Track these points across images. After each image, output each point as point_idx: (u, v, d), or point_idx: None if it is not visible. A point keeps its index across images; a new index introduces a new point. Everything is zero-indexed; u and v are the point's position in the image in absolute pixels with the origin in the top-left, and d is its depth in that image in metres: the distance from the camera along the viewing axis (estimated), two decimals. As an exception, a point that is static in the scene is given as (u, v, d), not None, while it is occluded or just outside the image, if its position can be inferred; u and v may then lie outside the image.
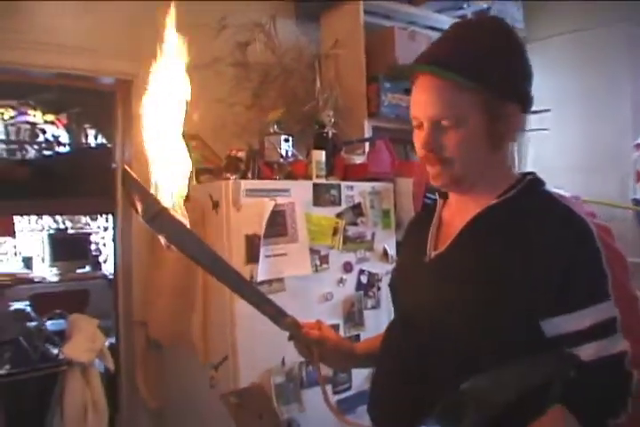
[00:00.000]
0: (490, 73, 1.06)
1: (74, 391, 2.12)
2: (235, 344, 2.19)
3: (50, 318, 3.11)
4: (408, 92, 2.82)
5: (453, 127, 1.07)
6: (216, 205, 2.30)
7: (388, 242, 2.63)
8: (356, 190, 2.54)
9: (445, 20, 3.14)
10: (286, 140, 2.46)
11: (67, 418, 2.09)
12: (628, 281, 1.12)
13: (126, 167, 1.12)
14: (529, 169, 1.90)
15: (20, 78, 3.27)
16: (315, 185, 2.43)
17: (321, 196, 2.44)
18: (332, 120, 2.64)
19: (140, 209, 1.03)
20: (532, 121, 3.00)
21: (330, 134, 2.61)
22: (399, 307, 1.27)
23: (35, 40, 2.60)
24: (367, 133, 2.86)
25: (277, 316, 1.18)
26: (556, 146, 3.46)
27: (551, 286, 0.98)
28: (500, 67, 1.08)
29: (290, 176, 2.48)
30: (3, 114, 6.36)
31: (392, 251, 2.62)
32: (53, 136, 6.51)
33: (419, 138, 1.13)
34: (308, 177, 2.50)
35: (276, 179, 2.43)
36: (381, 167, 2.62)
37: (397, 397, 1.13)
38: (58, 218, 6.86)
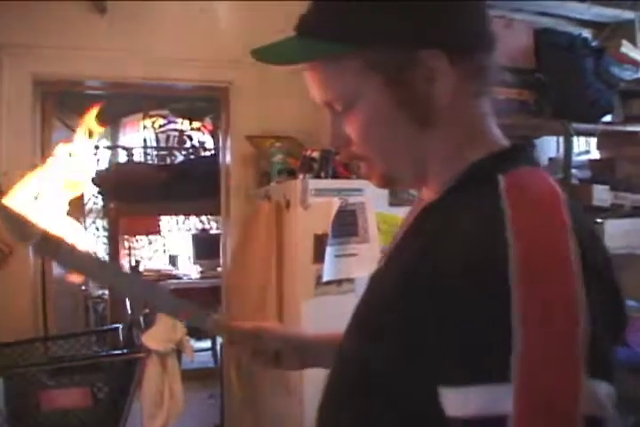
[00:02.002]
0: (360, 23, 0.74)
1: (151, 378, 2.29)
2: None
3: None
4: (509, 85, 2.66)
5: (347, 111, 0.78)
6: (288, 204, 2.36)
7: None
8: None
9: (552, 4, 2.92)
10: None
11: (144, 402, 2.27)
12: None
13: None
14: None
15: (159, 91, 3.66)
16: (391, 184, 2.39)
17: (397, 195, 2.39)
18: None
19: (18, 236, 0.95)
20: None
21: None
22: None
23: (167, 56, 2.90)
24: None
25: (199, 316, 1.03)
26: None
27: (435, 333, 0.65)
28: (377, 13, 0.73)
29: (368, 176, 2.46)
30: (154, 123, 6.91)
31: None
32: (199, 142, 6.95)
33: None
34: (387, 177, 2.46)
35: (351, 178, 2.42)
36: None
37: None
38: (203, 218, 7.31)
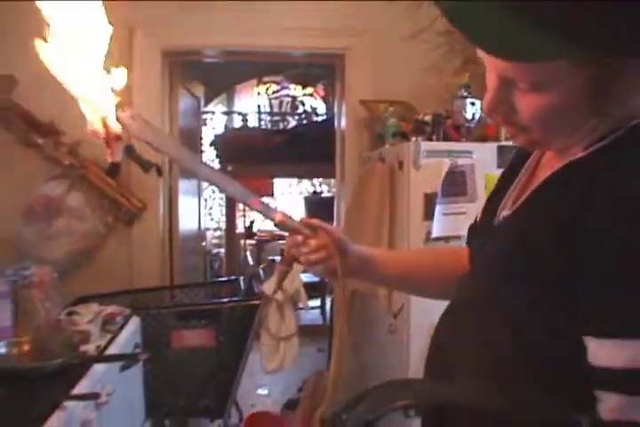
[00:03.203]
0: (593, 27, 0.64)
1: (269, 323, 2.51)
2: (409, 297, 2.34)
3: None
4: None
5: (532, 91, 0.76)
6: (400, 165, 2.45)
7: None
8: (546, 152, 2.47)
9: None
10: (472, 104, 2.49)
11: (262, 345, 2.50)
12: None
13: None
14: None
15: (275, 58, 3.87)
16: (500, 147, 2.43)
17: (506, 158, 2.43)
18: None
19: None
20: None
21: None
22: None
23: (283, 25, 3.06)
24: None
25: (267, 207, 1.09)
26: None
27: (593, 289, 0.70)
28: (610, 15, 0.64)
29: (478, 139, 2.51)
30: (267, 89, 7.12)
31: None
32: (311, 107, 7.11)
33: (488, 83, 0.82)
34: (497, 140, 2.50)
35: (461, 141, 2.48)
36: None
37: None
38: (315, 182, 7.51)
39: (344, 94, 3.27)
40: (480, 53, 0.77)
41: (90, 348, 1.82)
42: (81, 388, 1.56)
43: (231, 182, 1.11)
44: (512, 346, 0.79)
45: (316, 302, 5.78)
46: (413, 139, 2.41)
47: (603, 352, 0.69)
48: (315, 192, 7.26)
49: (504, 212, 0.92)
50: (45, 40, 0.97)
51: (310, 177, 6.74)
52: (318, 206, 6.44)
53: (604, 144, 0.78)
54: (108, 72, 1.05)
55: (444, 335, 0.94)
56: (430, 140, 2.47)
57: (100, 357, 1.75)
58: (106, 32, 1.02)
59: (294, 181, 7.36)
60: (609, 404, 0.68)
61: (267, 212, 1.09)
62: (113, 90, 1.05)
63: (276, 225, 1.10)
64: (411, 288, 1.34)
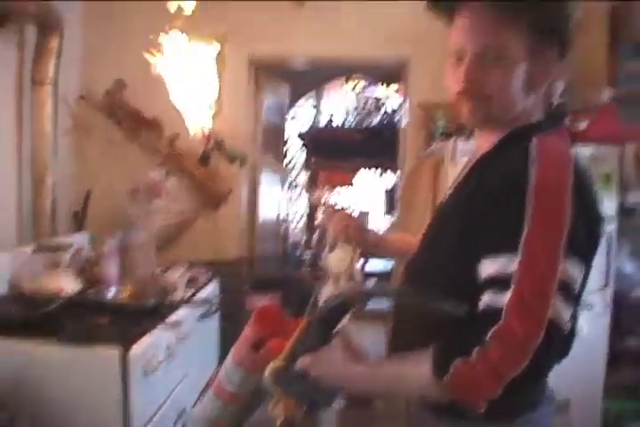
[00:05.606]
0: (538, 11, 1.06)
1: (325, 291, 2.94)
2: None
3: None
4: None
5: (496, 62, 1.06)
6: (442, 161, 2.85)
7: (606, 203, 2.79)
8: (573, 154, 2.76)
9: None
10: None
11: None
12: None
13: None
14: None
15: (350, 63, 4.31)
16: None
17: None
18: (560, 90, 2.89)
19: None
20: None
21: (555, 104, 2.88)
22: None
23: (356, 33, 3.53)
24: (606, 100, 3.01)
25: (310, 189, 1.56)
26: None
27: (486, 229, 0.99)
28: (549, 7, 1.07)
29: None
30: (355, 86, 7.53)
31: (610, 211, 2.76)
32: (393, 107, 7.46)
33: (455, 73, 1.11)
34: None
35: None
36: (604, 133, 2.79)
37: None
38: (397, 174, 7.84)
39: (407, 96, 3.67)
40: (454, 41, 1.10)
41: (176, 297, 2.34)
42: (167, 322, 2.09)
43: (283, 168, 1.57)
44: (439, 270, 1.10)
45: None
46: (453, 138, 2.79)
47: (484, 267, 0.97)
48: (395, 185, 7.61)
49: (448, 191, 1.25)
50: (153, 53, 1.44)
51: (384, 170, 7.10)
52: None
53: (502, 140, 1.12)
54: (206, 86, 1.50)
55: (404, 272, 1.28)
56: (470, 137, 2.83)
57: (184, 300, 2.27)
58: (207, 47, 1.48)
59: (377, 174, 7.73)
60: (483, 300, 0.95)
61: (309, 190, 1.56)
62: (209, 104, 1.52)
63: (312, 201, 1.56)
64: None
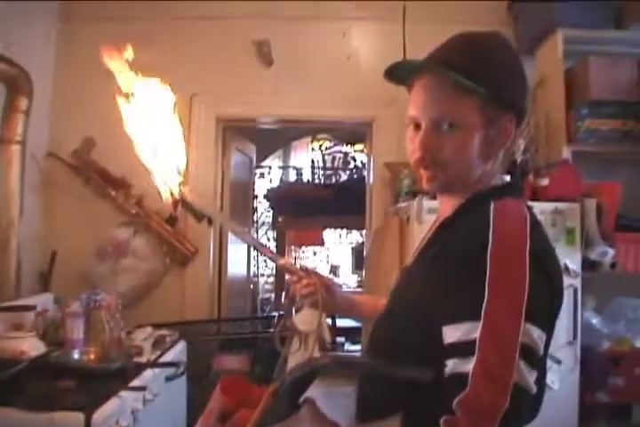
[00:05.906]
0: (493, 79, 1.08)
1: (293, 352, 2.92)
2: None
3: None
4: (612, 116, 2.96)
5: (452, 130, 1.08)
6: (408, 220, 2.88)
7: (570, 258, 2.83)
8: (537, 210, 2.81)
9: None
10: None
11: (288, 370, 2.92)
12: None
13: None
14: None
15: (315, 124, 4.63)
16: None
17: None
18: (522, 148, 2.99)
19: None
20: None
21: (518, 160, 2.96)
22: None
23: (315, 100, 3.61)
24: (567, 157, 3.10)
25: (276, 255, 1.53)
26: None
27: (448, 295, 1.00)
28: (503, 76, 1.10)
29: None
30: (321, 145, 7.70)
31: (574, 266, 2.82)
32: (362, 162, 7.61)
33: (414, 139, 1.13)
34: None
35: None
36: (565, 189, 2.87)
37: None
38: (363, 233, 7.92)
39: (372, 156, 3.75)
40: (411, 109, 1.13)
41: (142, 359, 2.29)
42: (133, 384, 2.04)
43: (250, 236, 1.59)
44: (404, 334, 1.11)
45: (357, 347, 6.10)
46: (418, 197, 2.84)
47: (447, 333, 0.96)
48: (362, 242, 7.68)
49: (412, 255, 1.29)
50: (121, 109, 1.46)
51: (353, 228, 7.17)
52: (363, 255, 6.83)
53: (461, 206, 1.15)
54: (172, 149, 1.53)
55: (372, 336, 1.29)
56: (434, 198, 2.88)
57: (150, 363, 2.22)
58: (170, 101, 1.51)
59: (344, 231, 7.80)
60: (447, 366, 0.95)
61: (275, 258, 1.52)
62: (177, 169, 1.54)
63: (278, 267, 1.56)
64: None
